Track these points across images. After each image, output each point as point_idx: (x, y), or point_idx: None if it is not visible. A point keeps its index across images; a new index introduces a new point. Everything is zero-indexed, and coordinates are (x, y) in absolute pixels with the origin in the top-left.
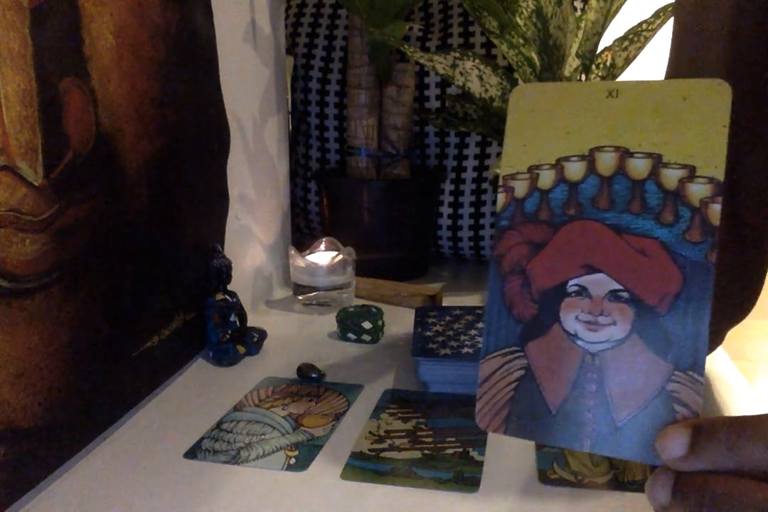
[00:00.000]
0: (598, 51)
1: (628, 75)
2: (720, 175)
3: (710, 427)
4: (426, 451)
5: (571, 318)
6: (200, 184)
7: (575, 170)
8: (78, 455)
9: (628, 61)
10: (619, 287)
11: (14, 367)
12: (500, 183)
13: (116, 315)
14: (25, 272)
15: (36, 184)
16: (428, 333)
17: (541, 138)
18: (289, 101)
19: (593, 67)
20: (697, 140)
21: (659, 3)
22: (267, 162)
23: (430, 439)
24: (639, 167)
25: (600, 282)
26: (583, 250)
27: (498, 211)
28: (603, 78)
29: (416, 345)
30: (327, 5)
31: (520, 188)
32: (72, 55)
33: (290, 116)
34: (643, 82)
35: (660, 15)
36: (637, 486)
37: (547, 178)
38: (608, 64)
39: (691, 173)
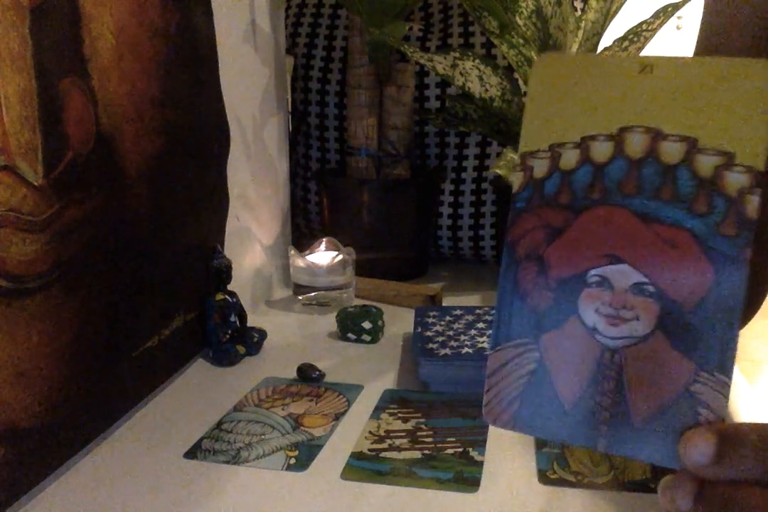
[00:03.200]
0: (598, 51)
1: None
2: (760, 165)
3: (737, 434)
4: (426, 451)
5: (590, 311)
6: (200, 184)
7: (602, 150)
8: (78, 455)
9: None
10: (644, 280)
11: (14, 367)
12: (518, 161)
13: (116, 315)
14: (25, 272)
15: (36, 184)
16: (428, 333)
17: (565, 114)
18: (289, 101)
19: None
20: (737, 125)
21: (659, 3)
22: (267, 162)
23: (430, 439)
24: (672, 151)
25: (623, 274)
26: (607, 238)
27: (514, 192)
28: None
29: (416, 345)
30: (327, 5)
31: (540, 167)
32: (72, 55)
33: (290, 116)
34: (680, 59)
35: (660, 15)
36: (637, 486)
37: (570, 158)
38: None
39: (729, 161)
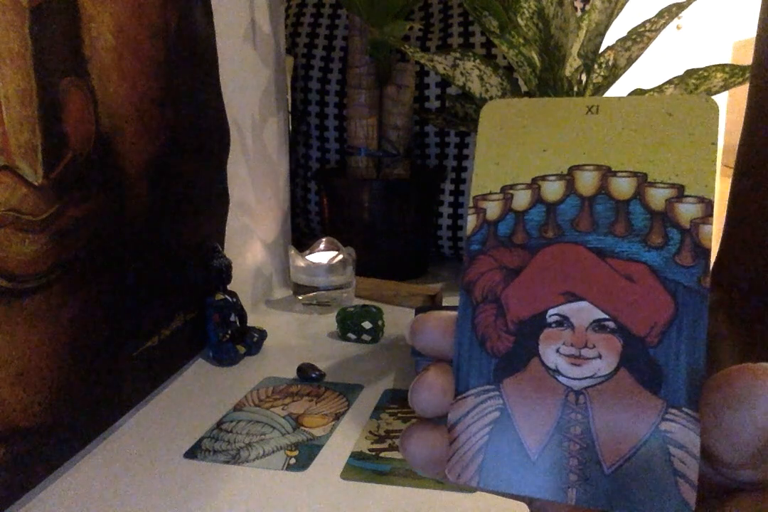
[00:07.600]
0: (600, 51)
1: (630, 74)
2: (710, 195)
3: None
4: None
5: (551, 352)
6: (200, 184)
7: (553, 190)
8: (78, 455)
9: (630, 61)
10: (604, 316)
11: (14, 367)
12: (470, 204)
13: (116, 315)
14: (25, 272)
15: (36, 184)
16: None
17: (515, 156)
18: (289, 101)
19: (595, 66)
20: (685, 158)
21: (663, 3)
22: (267, 162)
23: None
24: (622, 187)
25: (583, 311)
26: (564, 276)
27: (468, 235)
28: (605, 78)
29: None
30: (327, 5)
31: (493, 209)
32: (72, 55)
33: (290, 116)
34: (624, 98)
35: (664, 15)
36: None
37: (522, 199)
38: (610, 64)
39: (680, 193)
